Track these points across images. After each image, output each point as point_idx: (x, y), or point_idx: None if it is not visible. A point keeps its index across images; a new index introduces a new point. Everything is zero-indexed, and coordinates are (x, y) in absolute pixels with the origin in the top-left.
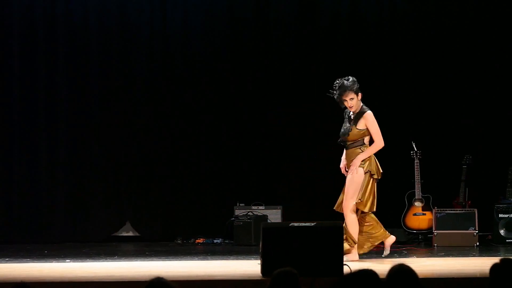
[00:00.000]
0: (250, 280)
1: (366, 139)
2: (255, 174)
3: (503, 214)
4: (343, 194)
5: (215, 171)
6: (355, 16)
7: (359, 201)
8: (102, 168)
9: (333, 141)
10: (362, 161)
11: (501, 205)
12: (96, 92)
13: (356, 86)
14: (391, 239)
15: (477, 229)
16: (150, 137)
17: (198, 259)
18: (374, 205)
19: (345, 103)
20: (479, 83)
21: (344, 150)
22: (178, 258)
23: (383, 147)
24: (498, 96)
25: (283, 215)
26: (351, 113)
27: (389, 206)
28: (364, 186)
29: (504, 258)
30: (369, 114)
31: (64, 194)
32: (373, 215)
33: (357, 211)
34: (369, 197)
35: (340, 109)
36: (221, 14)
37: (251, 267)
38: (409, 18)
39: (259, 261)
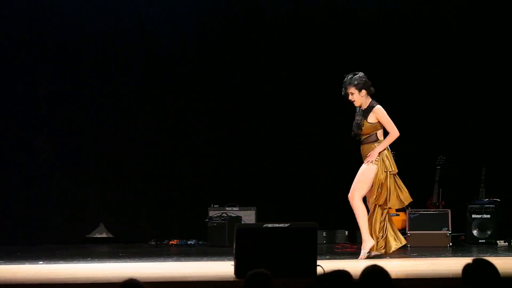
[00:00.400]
0: (223, 281)
1: (380, 134)
2: (229, 176)
3: (476, 214)
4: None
5: (189, 172)
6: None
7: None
8: (75, 170)
9: (309, 142)
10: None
11: (474, 206)
12: (69, 93)
13: (358, 81)
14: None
15: (450, 229)
16: (123, 139)
17: (172, 261)
18: (398, 200)
19: (348, 97)
20: (452, 84)
21: (360, 146)
22: (151, 260)
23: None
24: (471, 97)
25: (257, 216)
26: (361, 108)
27: None
28: (384, 185)
29: (477, 258)
30: (378, 107)
31: (37, 196)
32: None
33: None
34: (389, 194)
35: (315, 111)
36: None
37: (225, 268)
38: (393, 19)
39: (232, 262)
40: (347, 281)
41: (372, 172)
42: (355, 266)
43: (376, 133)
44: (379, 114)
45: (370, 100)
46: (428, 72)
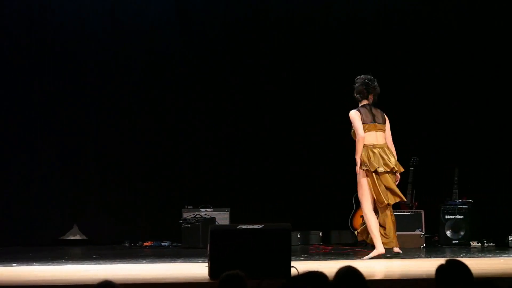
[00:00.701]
0: (198, 283)
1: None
2: (203, 177)
3: (450, 215)
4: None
5: (163, 174)
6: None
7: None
8: (48, 171)
9: (284, 142)
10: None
11: (447, 207)
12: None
13: (356, 85)
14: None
15: (423, 230)
16: (95, 140)
17: (146, 262)
18: (382, 197)
19: None
20: (423, 86)
21: None
22: (125, 261)
23: (363, 136)
24: (444, 98)
25: (231, 218)
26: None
27: (336, 208)
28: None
29: (450, 259)
30: (350, 112)
31: (10, 197)
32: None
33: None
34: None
35: (282, 113)
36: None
37: (199, 269)
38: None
39: (207, 264)
40: (322, 282)
41: (362, 179)
42: (329, 267)
43: None
44: (350, 117)
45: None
46: (400, 72)
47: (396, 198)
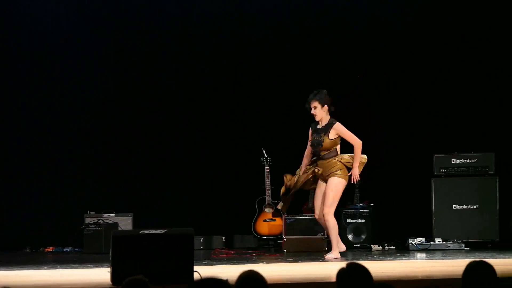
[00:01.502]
0: None
1: (338, 148)
2: (105, 182)
3: (351, 219)
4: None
5: (65, 178)
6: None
7: None
8: None
9: (185, 148)
10: (339, 170)
11: (349, 211)
12: None
13: (322, 96)
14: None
15: (325, 234)
16: None
17: (47, 268)
18: None
19: (312, 111)
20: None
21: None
22: (26, 267)
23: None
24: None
25: (134, 223)
26: (319, 125)
27: (239, 212)
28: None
29: (350, 263)
30: (338, 124)
31: None
32: None
33: None
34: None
35: (185, 118)
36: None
37: (101, 275)
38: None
39: (109, 269)
40: (223, 287)
41: (342, 185)
42: (232, 271)
43: (336, 148)
44: (339, 130)
45: (329, 117)
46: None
47: None
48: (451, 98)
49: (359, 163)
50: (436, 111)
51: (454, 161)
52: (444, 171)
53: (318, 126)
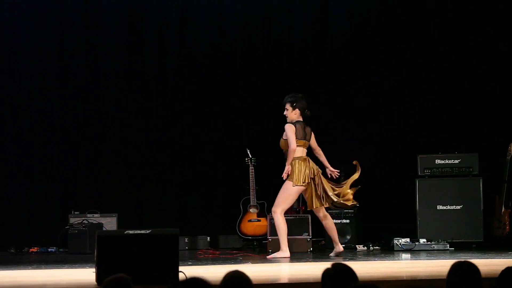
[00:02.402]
0: None
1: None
2: (89, 182)
3: (336, 219)
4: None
5: (49, 178)
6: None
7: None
8: None
9: (170, 148)
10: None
11: (334, 211)
12: None
13: (294, 100)
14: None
15: (310, 234)
16: None
17: (32, 268)
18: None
19: (284, 112)
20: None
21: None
22: (10, 268)
23: (294, 149)
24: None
25: (119, 223)
26: None
27: (224, 212)
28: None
29: (335, 263)
30: (287, 125)
31: None
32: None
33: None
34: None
35: (170, 116)
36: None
37: (86, 275)
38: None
39: (94, 270)
40: (204, 286)
41: (288, 188)
42: (217, 272)
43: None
44: (285, 130)
45: (294, 119)
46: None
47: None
48: (435, 99)
49: (293, 172)
50: (420, 111)
51: (438, 161)
52: (428, 172)
53: None
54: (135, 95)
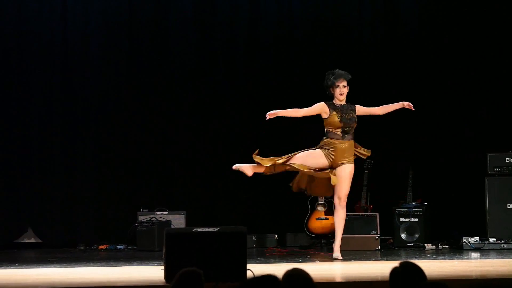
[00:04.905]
0: (153, 286)
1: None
2: (158, 180)
3: (404, 218)
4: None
5: (118, 176)
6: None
7: None
8: (1, 173)
9: (238, 146)
10: None
11: (402, 209)
12: None
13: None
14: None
15: (378, 233)
16: (47, 141)
17: (101, 266)
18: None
19: (338, 90)
20: (378, 86)
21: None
22: (80, 265)
23: None
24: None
25: (187, 221)
26: (340, 104)
27: (292, 210)
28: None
29: (403, 262)
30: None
31: None
32: None
33: None
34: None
35: (240, 116)
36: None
37: (154, 273)
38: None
39: (162, 267)
40: (275, 285)
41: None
42: (285, 270)
43: None
44: (360, 110)
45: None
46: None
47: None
48: (506, 96)
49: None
50: (490, 109)
51: (508, 160)
52: (498, 170)
53: (339, 104)
54: (204, 93)
